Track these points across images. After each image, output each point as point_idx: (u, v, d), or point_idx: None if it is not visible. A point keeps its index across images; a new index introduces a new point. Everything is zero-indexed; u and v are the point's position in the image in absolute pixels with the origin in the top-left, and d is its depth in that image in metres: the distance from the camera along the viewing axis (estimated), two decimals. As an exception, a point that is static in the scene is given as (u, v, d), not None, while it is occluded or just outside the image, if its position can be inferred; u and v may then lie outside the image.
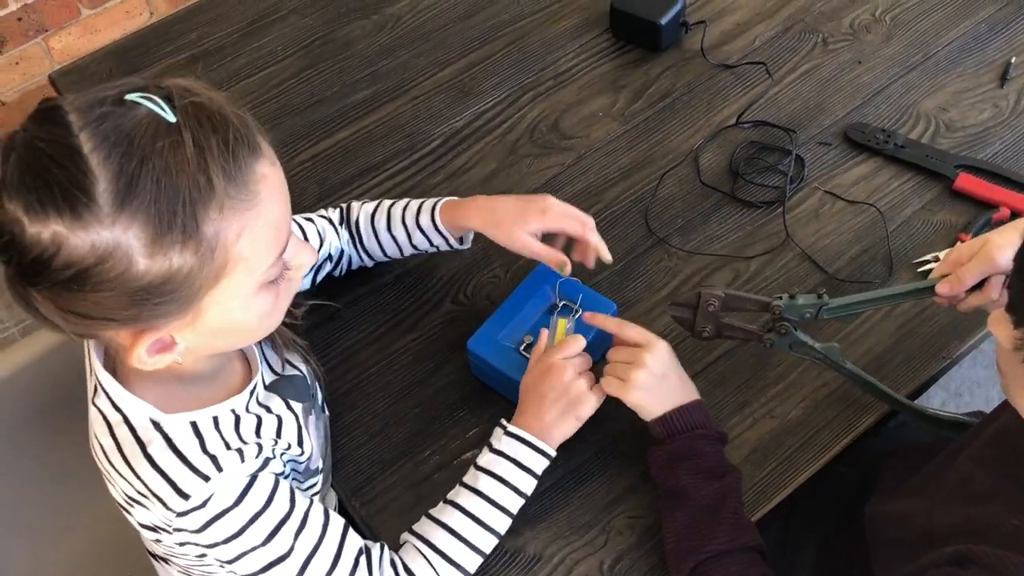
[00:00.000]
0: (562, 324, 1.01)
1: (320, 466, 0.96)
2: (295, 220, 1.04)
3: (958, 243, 1.12)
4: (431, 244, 1.07)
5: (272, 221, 0.73)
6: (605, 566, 0.96)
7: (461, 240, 1.06)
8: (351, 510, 1.03)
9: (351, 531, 0.88)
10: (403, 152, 1.30)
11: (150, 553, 0.99)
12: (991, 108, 1.27)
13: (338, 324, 1.12)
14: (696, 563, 0.88)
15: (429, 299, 1.15)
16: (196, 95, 0.69)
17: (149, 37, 1.45)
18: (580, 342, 0.96)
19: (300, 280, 0.82)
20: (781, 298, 0.96)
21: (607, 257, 1.02)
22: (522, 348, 1.02)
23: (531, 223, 1.00)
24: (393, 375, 1.10)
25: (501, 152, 1.29)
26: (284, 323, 0.90)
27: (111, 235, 0.65)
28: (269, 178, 0.72)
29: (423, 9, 1.46)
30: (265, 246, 0.73)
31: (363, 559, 0.87)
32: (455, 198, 1.06)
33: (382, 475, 1.03)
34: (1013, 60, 1.31)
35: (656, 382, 0.94)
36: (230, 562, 0.81)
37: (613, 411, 0.97)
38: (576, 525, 0.98)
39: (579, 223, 1.01)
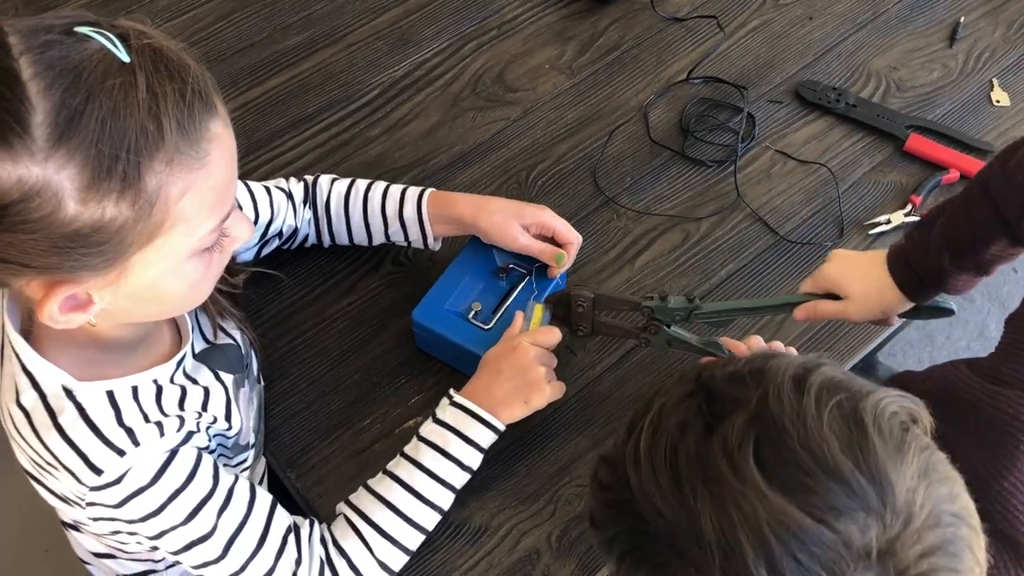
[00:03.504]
0: (538, 310, 0.96)
1: (252, 441, 0.90)
2: (247, 185, 0.98)
3: (908, 204, 1.11)
4: (406, 238, 1.01)
5: (218, 184, 0.67)
6: (553, 537, 0.93)
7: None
8: (286, 482, 0.97)
9: (279, 508, 0.84)
10: (338, 103, 1.23)
11: (61, 522, 0.93)
12: (940, 68, 1.26)
13: (271, 285, 1.05)
14: None
15: (368, 260, 1.09)
16: (153, 39, 0.63)
17: (59, -27, 1.34)
18: (554, 335, 0.92)
19: (230, 253, 0.76)
20: (652, 299, 0.93)
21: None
22: (471, 316, 0.97)
23: (527, 217, 0.97)
24: (330, 340, 1.04)
25: (443, 104, 1.23)
26: (221, 290, 0.85)
27: (42, 172, 0.59)
28: (222, 139, 0.67)
29: (359, -50, 1.37)
30: (208, 209, 0.67)
31: (291, 537, 0.83)
32: (435, 190, 1.01)
33: (319, 445, 0.97)
34: (962, 20, 1.30)
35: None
36: (152, 539, 0.77)
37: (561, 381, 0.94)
38: (523, 495, 0.95)
39: (572, 234, 0.99)
